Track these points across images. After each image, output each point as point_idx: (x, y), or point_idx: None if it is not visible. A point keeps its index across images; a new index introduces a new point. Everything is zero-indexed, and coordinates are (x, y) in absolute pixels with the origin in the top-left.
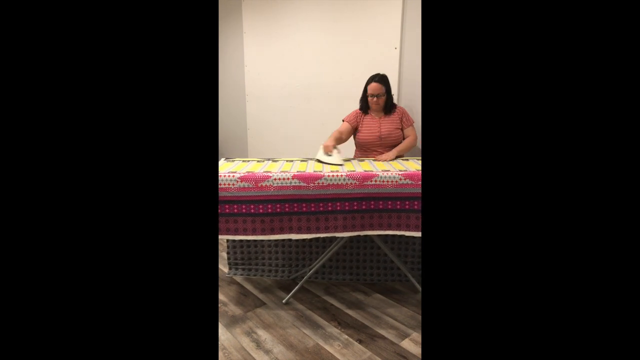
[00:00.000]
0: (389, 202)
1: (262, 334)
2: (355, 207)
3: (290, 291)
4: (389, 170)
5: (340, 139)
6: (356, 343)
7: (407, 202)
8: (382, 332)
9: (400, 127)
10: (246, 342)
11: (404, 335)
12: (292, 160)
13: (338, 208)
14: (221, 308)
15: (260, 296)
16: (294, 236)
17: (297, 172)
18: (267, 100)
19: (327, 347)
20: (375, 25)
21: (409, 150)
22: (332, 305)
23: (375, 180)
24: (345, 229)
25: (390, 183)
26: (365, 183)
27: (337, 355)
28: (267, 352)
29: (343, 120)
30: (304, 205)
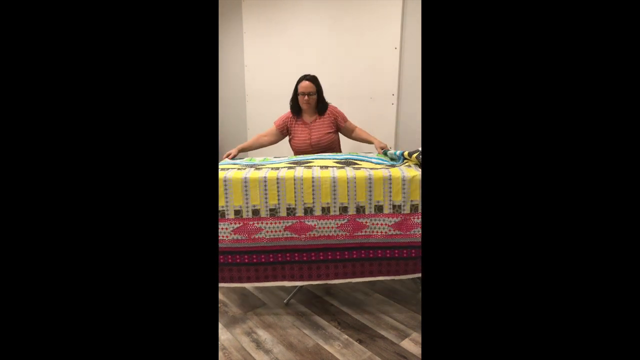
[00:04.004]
0: (379, 251)
1: (262, 334)
2: (347, 256)
3: (291, 292)
4: (378, 216)
5: (263, 142)
6: (356, 343)
7: (396, 251)
8: (382, 332)
9: (332, 131)
10: (246, 342)
11: (404, 335)
12: (277, 169)
13: (329, 257)
14: (221, 308)
15: (261, 296)
16: (287, 283)
17: (289, 224)
18: (267, 100)
19: (327, 347)
20: (375, 25)
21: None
22: (332, 305)
23: (365, 231)
24: (336, 276)
25: (380, 233)
26: (356, 234)
27: (337, 355)
28: (267, 352)
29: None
30: (296, 255)
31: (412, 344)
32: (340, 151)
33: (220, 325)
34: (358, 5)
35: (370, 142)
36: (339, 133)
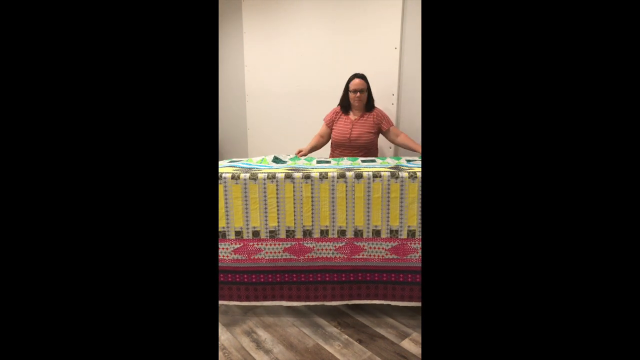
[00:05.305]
0: (376, 275)
1: (262, 334)
2: (344, 279)
3: None
4: (376, 240)
5: (321, 142)
6: (356, 343)
7: (392, 275)
8: (382, 332)
9: (374, 132)
10: (246, 342)
11: (404, 335)
12: (274, 176)
13: (327, 279)
14: (221, 308)
15: None
16: (285, 303)
17: (288, 246)
18: (267, 100)
19: (327, 347)
20: (375, 25)
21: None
22: (332, 305)
23: (363, 255)
24: (334, 298)
25: (376, 257)
26: (353, 257)
27: (337, 355)
28: (267, 352)
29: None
30: (294, 275)
31: (412, 344)
32: (377, 153)
33: (220, 325)
34: (358, 5)
35: (415, 150)
36: (384, 136)
